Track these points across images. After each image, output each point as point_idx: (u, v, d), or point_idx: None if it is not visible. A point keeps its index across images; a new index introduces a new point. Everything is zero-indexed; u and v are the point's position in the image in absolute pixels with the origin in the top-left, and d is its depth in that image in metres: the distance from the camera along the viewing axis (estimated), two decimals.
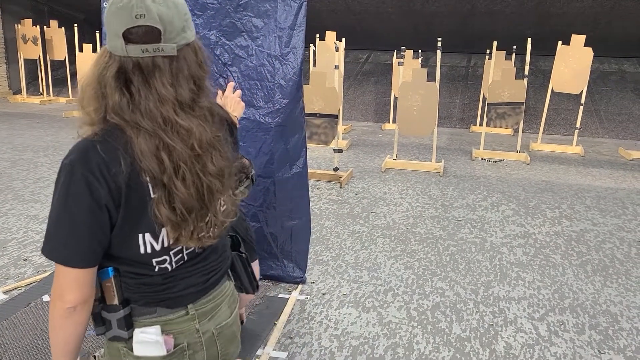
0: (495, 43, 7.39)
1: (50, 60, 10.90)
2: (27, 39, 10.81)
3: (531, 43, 7.05)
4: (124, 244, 1.09)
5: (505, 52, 8.50)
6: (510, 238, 4.26)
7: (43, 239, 1.07)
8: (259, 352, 2.62)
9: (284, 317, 2.95)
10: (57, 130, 8.30)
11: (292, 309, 3.05)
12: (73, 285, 1.04)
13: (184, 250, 1.16)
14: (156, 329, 1.13)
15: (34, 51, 10.79)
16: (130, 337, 1.14)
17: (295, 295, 3.20)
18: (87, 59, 9.26)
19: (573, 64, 7.35)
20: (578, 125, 7.79)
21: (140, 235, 1.09)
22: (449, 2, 10.32)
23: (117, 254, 1.09)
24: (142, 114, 1.04)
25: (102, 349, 1.24)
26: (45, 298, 3.02)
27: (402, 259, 3.79)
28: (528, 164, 6.92)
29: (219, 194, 1.13)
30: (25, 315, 2.83)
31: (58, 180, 1.04)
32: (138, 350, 1.13)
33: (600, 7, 9.47)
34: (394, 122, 9.76)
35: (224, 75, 3.01)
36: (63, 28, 10.42)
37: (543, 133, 8.13)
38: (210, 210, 1.12)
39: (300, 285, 3.32)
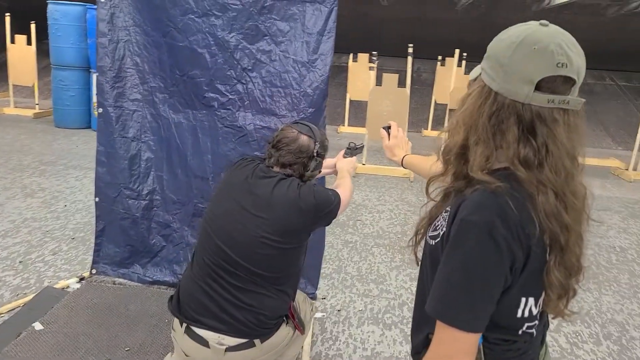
0: (457, 51, 7.55)
1: None
2: None
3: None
4: (504, 308, 0.99)
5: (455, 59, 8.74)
6: None
7: (433, 301, 0.97)
8: None
9: (307, 337, 2.79)
10: None
11: (312, 328, 2.90)
12: (468, 351, 0.97)
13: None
14: None
15: None
16: None
17: None
18: (19, 51, 8.49)
19: None
20: None
21: (523, 299, 1.00)
22: (400, 7, 10.47)
23: (492, 318, 0.99)
24: (550, 170, 0.95)
25: None
26: (38, 327, 2.68)
27: (405, 270, 3.73)
28: None
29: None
30: (19, 348, 2.49)
31: (465, 238, 0.94)
32: None
33: None
34: (349, 124, 9.77)
35: (243, 81, 2.80)
36: None
37: None
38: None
39: (313, 302, 3.17)
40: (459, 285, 0.95)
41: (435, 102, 9.56)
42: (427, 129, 9.82)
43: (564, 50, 0.94)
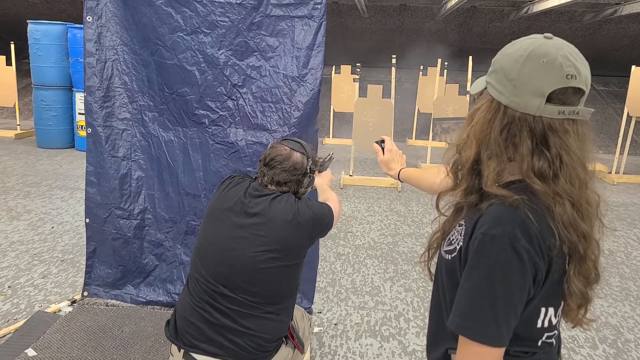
0: (439, 60, 7.63)
1: None
2: None
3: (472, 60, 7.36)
4: (525, 319, 0.99)
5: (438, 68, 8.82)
6: None
7: (456, 317, 0.97)
8: None
9: (306, 353, 2.77)
10: None
11: (310, 343, 2.88)
12: None
13: None
14: None
15: None
16: None
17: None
18: None
19: None
20: None
21: (543, 309, 1.00)
22: (380, 19, 10.58)
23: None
24: (565, 180, 0.95)
25: None
26: (31, 353, 2.62)
27: (399, 281, 3.73)
28: None
29: None
30: None
31: (487, 252, 0.94)
32: None
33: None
34: (334, 136, 9.80)
35: (234, 97, 2.80)
36: None
37: None
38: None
39: (310, 317, 3.15)
40: (482, 299, 0.94)
41: (418, 111, 9.65)
42: (411, 139, 9.90)
43: (571, 62, 0.95)
